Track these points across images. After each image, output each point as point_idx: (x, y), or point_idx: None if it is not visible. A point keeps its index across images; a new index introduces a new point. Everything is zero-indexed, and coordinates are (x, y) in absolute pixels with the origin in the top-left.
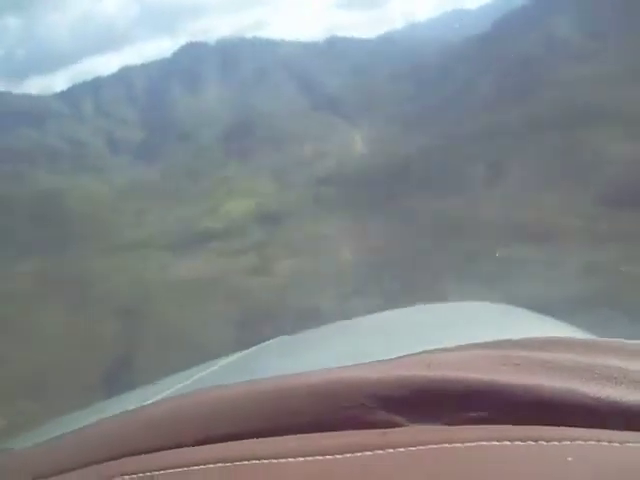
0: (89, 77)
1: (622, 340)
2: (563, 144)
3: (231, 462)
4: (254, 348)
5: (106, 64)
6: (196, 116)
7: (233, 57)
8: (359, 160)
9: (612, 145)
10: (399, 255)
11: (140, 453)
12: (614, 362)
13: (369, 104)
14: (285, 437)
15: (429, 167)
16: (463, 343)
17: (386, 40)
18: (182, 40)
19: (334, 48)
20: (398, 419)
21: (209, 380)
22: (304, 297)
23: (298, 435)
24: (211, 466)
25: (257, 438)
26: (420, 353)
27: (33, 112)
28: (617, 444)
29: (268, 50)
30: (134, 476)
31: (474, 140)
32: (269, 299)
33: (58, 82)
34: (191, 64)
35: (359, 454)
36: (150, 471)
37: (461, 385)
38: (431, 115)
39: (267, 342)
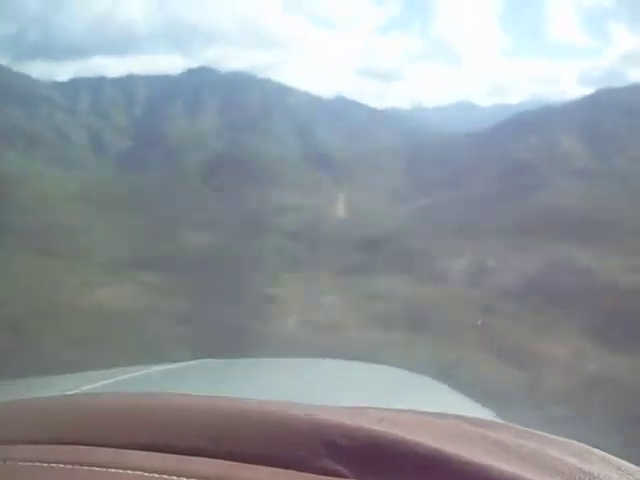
0: (93, 75)
1: (570, 440)
2: (542, 255)
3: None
4: (178, 364)
5: (114, 67)
6: (188, 141)
7: (240, 92)
8: (335, 223)
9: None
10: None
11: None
12: (562, 456)
13: (361, 172)
14: (210, 460)
15: (400, 247)
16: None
17: (391, 115)
18: (194, 62)
19: (340, 109)
20: (343, 470)
21: (130, 384)
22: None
23: (233, 462)
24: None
25: (176, 454)
26: (370, 408)
27: (26, 93)
28: None
29: (276, 94)
30: None
31: (452, 233)
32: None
33: (62, 73)
34: (197, 88)
35: None
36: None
37: (412, 448)
38: (417, 197)
39: (191, 362)
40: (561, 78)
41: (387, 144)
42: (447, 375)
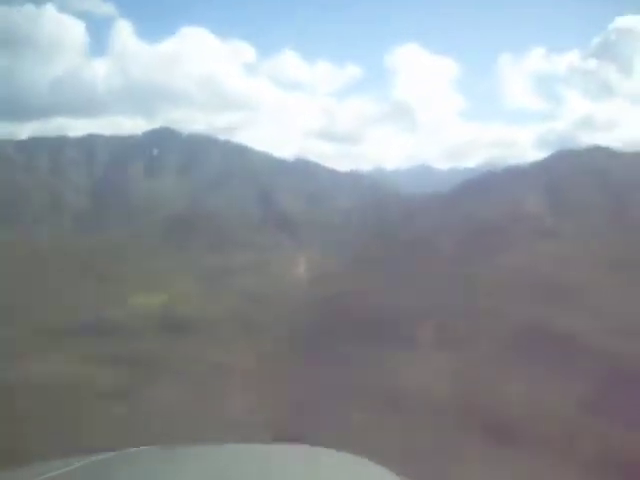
0: (54, 135)
1: None
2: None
3: None
4: (123, 452)
5: (76, 127)
6: (147, 199)
7: (200, 153)
8: (293, 283)
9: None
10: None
11: None
12: None
13: (320, 231)
14: None
15: (363, 309)
16: None
17: (352, 177)
18: (156, 124)
19: (301, 170)
20: None
21: (74, 475)
22: None
23: None
24: None
25: None
26: None
27: None
28: None
29: (237, 155)
30: None
31: (411, 293)
32: None
33: (24, 133)
34: (158, 148)
35: None
36: None
37: None
38: (379, 258)
39: (135, 449)
40: (517, 142)
41: (348, 205)
42: None
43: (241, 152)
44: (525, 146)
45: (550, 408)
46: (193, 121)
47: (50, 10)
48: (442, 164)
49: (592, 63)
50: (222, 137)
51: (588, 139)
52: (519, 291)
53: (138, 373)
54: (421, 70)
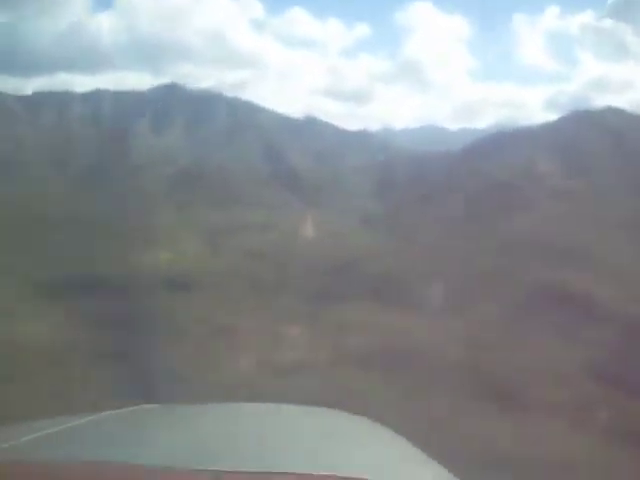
0: (59, 90)
1: None
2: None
3: None
4: (118, 411)
5: (82, 83)
6: (153, 156)
7: (208, 109)
8: (301, 244)
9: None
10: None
11: None
12: None
13: (328, 190)
14: None
15: (371, 271)
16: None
17: (360, 136)
18: (163, 79)
19: (310, 128)
20: None
21: (70, 433)
22: None
23: None
24: None
25: None
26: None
27: None
28: None
29: (245, 112)
30: None
31: (420, 252)
32: None
33: (29, 87)
34: (165, 104)
35: None
36: None
37: None
38: (388, 218)
39: (130, 408)
40: (527, 103)
41: (355, 164)
42: None
43: (249, 109)
44: (535, 107)
45: (562, 370)
46: (200, 77)
47: None
48: (451, 124)
49: (607, 23)
50: (230, 94)
51: (600, 101)
52: (532, 251)
53: (141, 332)
54: (432, 29)
